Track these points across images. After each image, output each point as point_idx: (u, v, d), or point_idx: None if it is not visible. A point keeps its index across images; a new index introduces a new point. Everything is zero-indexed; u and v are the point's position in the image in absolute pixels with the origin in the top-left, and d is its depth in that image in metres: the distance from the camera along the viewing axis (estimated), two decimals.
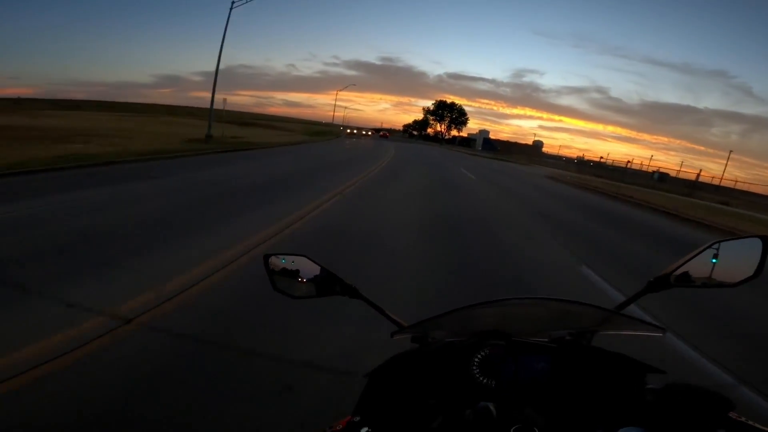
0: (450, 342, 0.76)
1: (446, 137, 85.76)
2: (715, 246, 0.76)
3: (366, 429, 0.58)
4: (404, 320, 0.81)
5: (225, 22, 16.94)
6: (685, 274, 0.76)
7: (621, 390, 0.63)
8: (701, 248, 0.77)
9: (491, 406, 0.57)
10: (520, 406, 0.60)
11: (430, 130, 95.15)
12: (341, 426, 0.60)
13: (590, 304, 0.64)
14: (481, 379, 0.69)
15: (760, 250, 0.74)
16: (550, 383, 0.68)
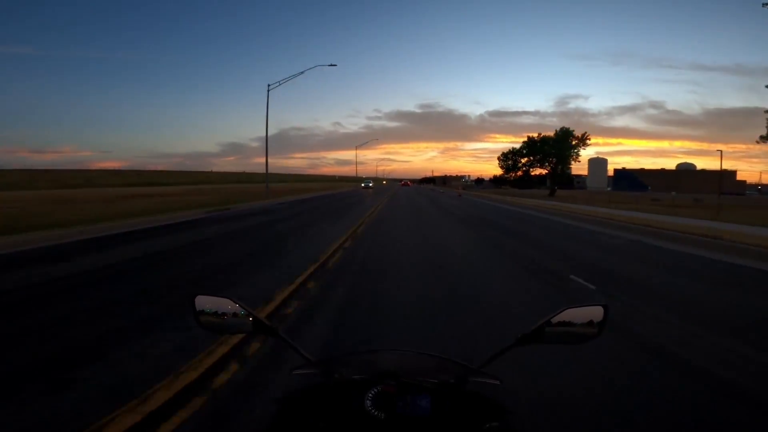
0: (350, 379, 0.86)
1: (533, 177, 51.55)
2: (567, 311, 0.90)
3: None
4: (312, 357, 0.95)
5: (268, 98, 22.78)
6: (545, 331, 0.89)
7: (472, 427, 0.77)
8: (557, 312, 0.90)
9: None
10: None
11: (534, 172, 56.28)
12: None
13: (462, 363, 0.93)
14: (372, 411, 0.77)
15: (602, 315, 0.90)
16: (428, 419, 0.78)
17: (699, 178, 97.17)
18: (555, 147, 41.04)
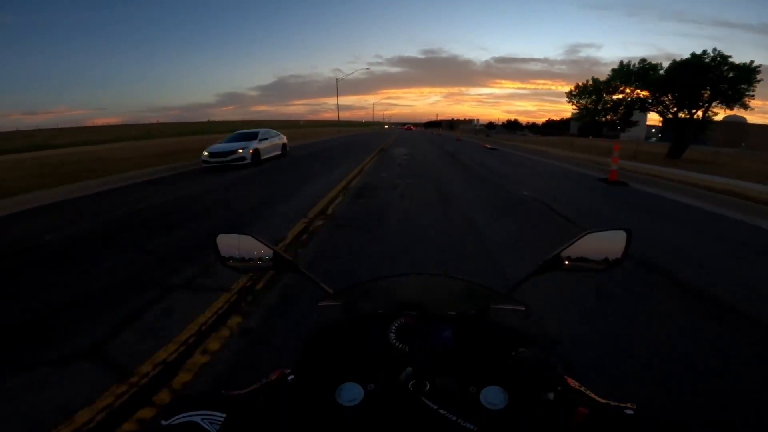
0: (372, 312, 0.88)
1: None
2: (589, 235, 0.88)
3: (292, 377, 0.69)
4: (332, 289, 0.92)
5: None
6: (567, 258, 0.89)
7: (496, 356, 0.75)
8: (578, 237, 0.88)
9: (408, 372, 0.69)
10: (423, 368, 0.71)
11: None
12: (275, 377, 0.71)
13: (489, 287, 0.88)
14: (396, 344, 0.78)
15: (625, 240, 0.88)
16: (452, 349, 0.78)
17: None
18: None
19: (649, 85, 21.23)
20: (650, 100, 21.76)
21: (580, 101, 25.73)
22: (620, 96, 23.30)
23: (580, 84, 25.52)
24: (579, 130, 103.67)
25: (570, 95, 26.10)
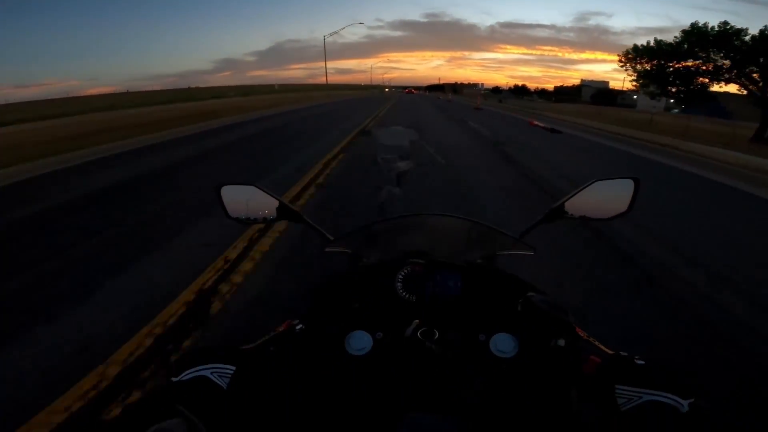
0: (378, 261, 0.86)
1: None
2: (596, 183, 0.87)
3: (300, 326, 0.69)
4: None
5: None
6: (573, 206, 0.89)
7: (505, 303, 0.73)
8: (585, 185, 0.88)
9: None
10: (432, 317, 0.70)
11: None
12: (284, 327, 0.70)
13: (500, 230, 0.86)
14: (403, 293, 0.77)
15: (632, 190, 0.87)
16: (459, 298, 0.77)
17: None
18: None
19: (733, 52, 17.48)
20: (728, 71, 17.97)
21: (638, 67, 21.62)
22: (690, 63, 19.43)
23: (639, 46, 21.27)
24: (591, 98, 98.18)
25: (625, 58, 21.84)
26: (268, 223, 1.00)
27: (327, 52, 40.72)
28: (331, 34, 23.15)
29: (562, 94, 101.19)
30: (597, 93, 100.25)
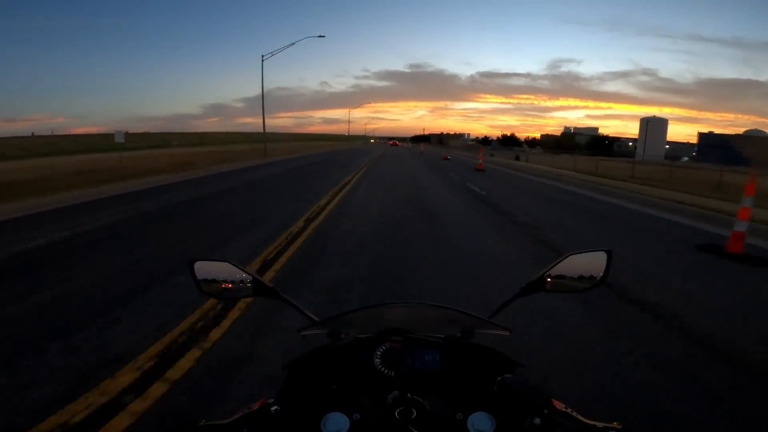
0: (358, 338, 0.85)
1: None
2: (571, 257, 0.89)
3: (275, 408, 0.67)
4: (316, 317, 0.90)
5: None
6: (549, 280, 0.90)
7: (483, 380, 0.75)
8: (560, 259, 0.89)
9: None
10: (410, 392, 0.69)
11: None
12: (257, 406, 0.69)
13: (472, 313, 0.82)
14: (382, 369, 0.77)
15: (605, 261, 0.88)
16: (438, 372, 0.77)
17: None
18: None
19: None
20: None
21: None
22: None
23: None
24: (587, 147, 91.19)
25: None
26: (243, 297, 1.02)
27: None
28: (273, 53, 23.21)
29: (554, 144, 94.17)
30: (592, 141, 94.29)
